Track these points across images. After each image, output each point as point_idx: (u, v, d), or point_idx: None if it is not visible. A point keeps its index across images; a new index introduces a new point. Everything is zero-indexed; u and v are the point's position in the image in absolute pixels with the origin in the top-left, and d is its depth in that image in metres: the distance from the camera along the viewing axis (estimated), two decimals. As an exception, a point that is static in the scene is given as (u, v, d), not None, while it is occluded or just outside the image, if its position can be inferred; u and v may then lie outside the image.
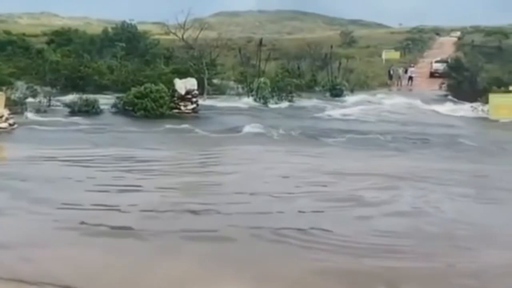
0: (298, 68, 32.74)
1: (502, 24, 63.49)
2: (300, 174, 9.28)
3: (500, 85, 23.93)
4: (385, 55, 45.02)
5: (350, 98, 26.98)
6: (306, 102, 23.99)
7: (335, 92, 28.53)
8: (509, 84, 23.39)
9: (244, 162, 10.28)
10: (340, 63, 32.51)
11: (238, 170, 9.54)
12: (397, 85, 36.24)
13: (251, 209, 7.17)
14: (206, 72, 24.42)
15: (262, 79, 23.42)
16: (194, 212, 6.84)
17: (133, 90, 19.07)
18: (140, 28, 41.94)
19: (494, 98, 19.95)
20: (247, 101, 23.12)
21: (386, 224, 6.58)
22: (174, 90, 19.28)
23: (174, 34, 27.76)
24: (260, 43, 26.30)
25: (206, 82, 24.01)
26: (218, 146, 12.42)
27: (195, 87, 19.65)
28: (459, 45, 52.39)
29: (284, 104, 23.15)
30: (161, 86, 19.22)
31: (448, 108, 23.80)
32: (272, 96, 23.43)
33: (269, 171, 9.50)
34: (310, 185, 8.49)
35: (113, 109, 18.92)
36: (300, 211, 7.04)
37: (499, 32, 53.66)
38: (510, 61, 30.55)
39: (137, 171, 9.17)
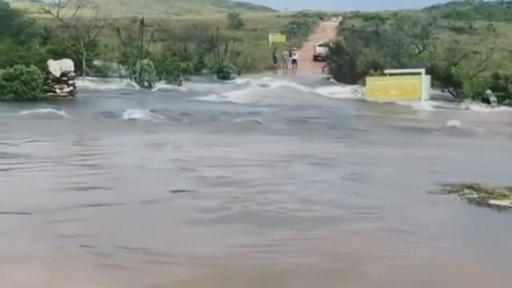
0: (185, 50, 32.17)
1: (379, 10, 67.21)
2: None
3: (376, 69, 25.17)
4: (272, 38, 45.80)
5: (237, 81, 27.06)
6: (193, 85, 23.61)
7: (222, 75, 28.48)
8: (384, 67, 24.65)
9: (117, 150, 9.66)
10: (227, 46, 32.43)
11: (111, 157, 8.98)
12: (283, 67, 37.03)
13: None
14: (84, 53, 23.07)
15: (145, 61, 22.58)
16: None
17: (1, 71, 17.51)
18: (14, 5, 38.79)
19: (370, 81, 20.89)
20: (130, 84, 22.22)
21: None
22: (48, 72, 17.99)
23: (48, 12, 25.92)
24: (142, 22, 25.33)
25: (84, 63, 22.71)
26: (91, 132, 11.64)
27: (72, 68, 18.44)
28: (340, 29, 54.64)
29: (169, 86, 22.57)
30: (33, 67, 17.81)
31: (330, 90, 24.66)
32: (159, 79, 22.78)
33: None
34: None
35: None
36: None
37: (377, 17, 56.71)
38: (386, 45, 32.28)
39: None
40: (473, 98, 22.13)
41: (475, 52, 36.94)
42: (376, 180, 8.23)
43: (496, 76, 22.07)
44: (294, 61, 37.07)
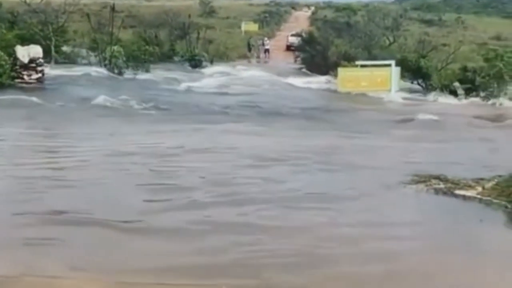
0: (156, 37, 31.73)
1: (351, 1, 67.54)
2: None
3: (349, 59, 25.32)
4: (244, 26, 45.56)
5: (209, 69, 26.89)
6: (164, 72, 23.34)
7: (194, 63, 28.26)
8: (356, 58, 24.84)
9: (90, 137, 9.57)
10: (199, 33, 32.15)
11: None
12: (256, 57, 36.96)
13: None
14: (53, 38, 22.60)
15: (115, 47, 22.23)
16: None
17: (-34, 57, 17.03)
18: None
19: (342, 72, 21.05)
20: (100, 71, 21.83)
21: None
22: (16, 58, 17.57)
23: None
24: (113, 8, 24.90)
25: (53, 49, 22.26)
26: (63, 120, 11.46)
27: (41, 55, 18.05)
28: (313, 19, 54.77)
29: (139, 74, 22.28)
30: (0, 53, 17.38)
31: (303, 80, 24.76)
32: (127, 66, 22.45)
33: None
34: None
35: None
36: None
37: (348, 8, 57.04)
38: (358, 36, 32.49)
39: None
40: (442, 90, 22.47)
41: (444, 45, 37.49)
42: (345, 170, 8.38)
43: (464, 69, 22.43)
44: (266, 50, 37.00)
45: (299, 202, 6.51)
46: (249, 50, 37.66)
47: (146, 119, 12.23)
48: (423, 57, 24.21)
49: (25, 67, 17.64)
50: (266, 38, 39.19)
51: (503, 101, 20.15)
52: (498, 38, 45.91)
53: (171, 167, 7.90)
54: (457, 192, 7.41)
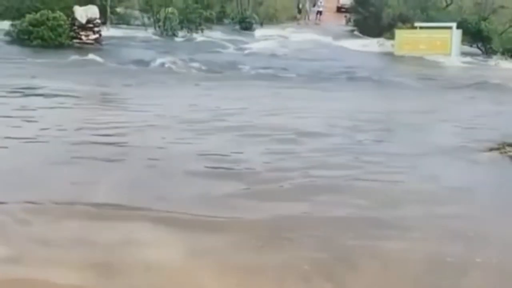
0: (207, -2, 31.52)
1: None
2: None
3: (404, 21, 24.55)
4: (293, -13, 44.58)
5: (260, 32, 26.60)
6: (217, 34, 23.25)
7: (245, 25, 27.98)
8: (412, 20, 24.03)
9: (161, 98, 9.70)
10: (250, -6, 31.71)
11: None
12: (305, 19, 36.27)
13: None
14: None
15: (169, 9, 22.22)
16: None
17: (28, 17, 17.40)
18: None
19: (400, 34, 20.45)
20: (154, 32, 22.00)
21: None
22: (74, 18, 17.85)
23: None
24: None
25: (108, 10, 22.44)
26: (131, 78, 11.63)
27: (97, 15, 18.30)
28: (364, -20, 53.07)
29: (194, 36, 22.30)
30: (59, 13, 17.67)
31: (356, 43, 24.19)
32: (181, 28, 22.48)
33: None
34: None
35: (7, 38, 17.23)
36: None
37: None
38: (413, -3, 31.32)
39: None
40: (503, 54, 21.62)
41: (503, 7, 35.81)
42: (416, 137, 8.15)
43: (528, 33, 21.52)
44: (318, 12, 36.17)
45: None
46: (299, 12, 36.95)
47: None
48: (484, 19, 23.20)
49: (83, 27, 17.93)
50: (320, 0, 38.29)
51: None
52: (562, 0, 43.45)
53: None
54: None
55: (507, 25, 24.30)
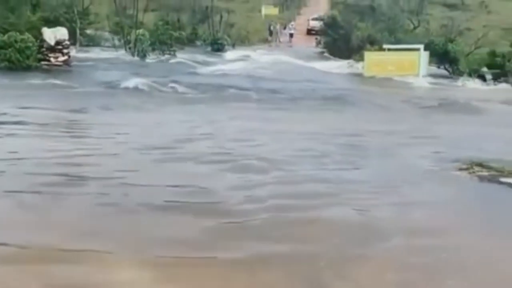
0: (178, 20, 31.66)
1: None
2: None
3: (373, 43, 25.03)
4: (264, 10, 45.17)
5: (231, 53, 26.77)
6: (188, 56, 23.28)
7: (217, 47, 28.15)
8: (381, 42, 24.50)
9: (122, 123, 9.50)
10: (221, 17, 31.96)
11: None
12: (276, 41, 36.70)
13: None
14: (78, 21, 22.62)
15: (140, 31, 22.22)
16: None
17: (-6, 38, 17.11)
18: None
19: (369, 56, 20.79)
20: (124, 54, 21.88)
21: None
22: (43, 40, 17.62)
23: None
24: (138, -9, 24.83)
25: (78, 32, 22.28)
26: (99, 101, 11.42)
27: (66, 37, 18.08)
28: (334, 3, 54.00)
29: (165, 58, 22.28)
30: (27, 35, 17.42)
31: (326, 64, 24.51)
32: (153, 49, 22.46)
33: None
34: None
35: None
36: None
37: (371, -8, 56.14)
38: (381, 20, 32.04)
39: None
40: (469, 75, 22.15)
41: (469, 29, 36.92)
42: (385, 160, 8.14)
43: (493, 54, 22.06)
44: (291, 34, 36.86)
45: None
46: (270, 34, 37.40)
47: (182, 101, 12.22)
48: (451, 41, 23.79)
49: (52, 49, 17.68)
50: (292, 23, 39.02)
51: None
52: (524, 23, 44.98)
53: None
54: (502, 179, 7.25)
55: (473, 47, 24.98)
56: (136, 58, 21.51)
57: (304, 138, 8.63)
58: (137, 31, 22.23)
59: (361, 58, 21.98)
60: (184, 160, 6.74)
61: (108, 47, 23.63)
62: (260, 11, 45.79)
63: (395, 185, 6.48)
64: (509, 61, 20.90)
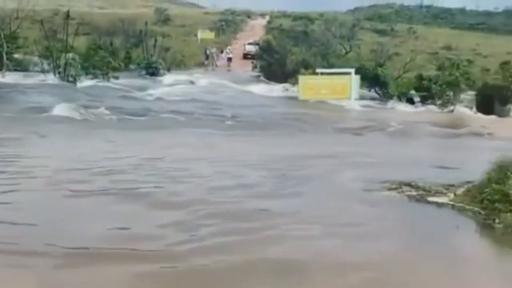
0: (111, 44, 31.09)
1: (304, 10, 68.37)
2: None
3: (307, 68, 25.49)
4: (201, 34, 45.28)
5: (167, 78, 26.52)
6: (122, 80, 22.81)
7: (152, 71, 27.79)
8: (314, 66, 24.99)
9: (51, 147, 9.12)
10: (156, 41, 31.66)
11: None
12: (213, 65, 36.78)
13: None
14: (5, 45, 21.77)
15: (70, 55, 21.61)
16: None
17: None
18: None
19: (303, 80, 21.12)
20: (53, 79, 21.17)
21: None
22: (-33, 65, 16.83)
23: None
24: (67, 15, 24.20)
25: (5, 56, 21.43)
26: (24, 128, 10.86)
27: (-8, 61, 17.37)
28: (269, 28, 54.98)
29: (97, 82, 21.72)
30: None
31: (261, 88, 24.73)
32: (86, 74, 21.93)
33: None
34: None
35: None
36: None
37: (305, 18, 57.61)
38: (315, 45, 32.84)
39: None
40: (399, 98, 22.95)
41: (397, 54, 38.47)
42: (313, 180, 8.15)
43: (420, 77, 22.91)
44: (229, 59, 37.09)
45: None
46: (206, 58, 37.46)
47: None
48: (380, 65, 24.59)
49: (-24, 74, 16.93)
50: (229, 47, 39.42)
51: (459, 108, 20.75)
52: (448, 48, 47.44)
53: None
54: (430, 199, 7.42)
55: (402, 70, 25.95)
56: (66, 83, 20.84)
57: (235, 165, 8.52)
58: (67, 55, 21.60)
59: (296, 82, 22.32)
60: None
61: (37, 71, 22.80)
62: (196, 35, 45.87)
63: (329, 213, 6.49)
64: (435, 83, 21.75)
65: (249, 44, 39.64)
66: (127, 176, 7.26)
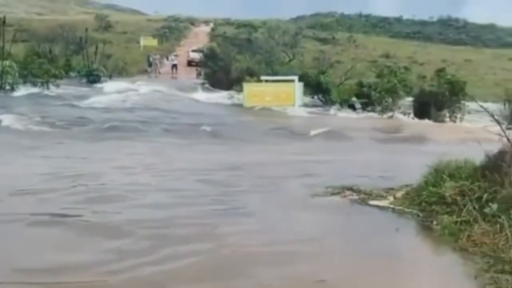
0: (50, 51, 30.24)
1: (248, 17, 68.86)
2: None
3: (251, 75, 25.69)
4: (143, 41, 44.81)
5: (108, 85, 26.00)
6: (61, 88, 22.20)
7: (92, 78, 27.25)
8: (258, 73, 25.22)
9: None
10: (97, 48, 31.05)
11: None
12: (156, 72, 36.43)
13: None
14: None
15: (7, 62, 20.83)
16: None
17: None
18: None
19: (247, 87, 21.25)
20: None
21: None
22: None
23: None
24: (3, 21, 23.32)
25: None
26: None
27: None
28: (212, 36, 55.06)
29: (36, 90, 21.04)
30: None
31: (206, 96, 24.67)
32: (24, 82, 21.19)
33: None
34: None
35: None
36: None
37: (249, 25, 58.08)
38: (259, 52, 33.14)
39: None
40: (341, 105, 23.48)
41: (339, 62, 39.44)
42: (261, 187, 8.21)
43: (361, 84, 23.56)
44: (174, 66, 36.79)
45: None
46: (149, 65, 37.06)
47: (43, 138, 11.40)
48: (323, 73, 25.11)
49: None
50: (174, 54, 39.21)
51: (398, 114, 21.46)
52: (387, 56, 49.09)
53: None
54: (371, 202, 7.61)
55: (343, 78, 26.58)
56: (2, 91, 20.07)
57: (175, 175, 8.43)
58: (4, 62, 20.81)
59: (241, 89, 22.44)
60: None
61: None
62: (138, 42, 45.32)
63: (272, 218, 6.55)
64: (374, 90, 22.41)
65: (193, 51, 39.59)
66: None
